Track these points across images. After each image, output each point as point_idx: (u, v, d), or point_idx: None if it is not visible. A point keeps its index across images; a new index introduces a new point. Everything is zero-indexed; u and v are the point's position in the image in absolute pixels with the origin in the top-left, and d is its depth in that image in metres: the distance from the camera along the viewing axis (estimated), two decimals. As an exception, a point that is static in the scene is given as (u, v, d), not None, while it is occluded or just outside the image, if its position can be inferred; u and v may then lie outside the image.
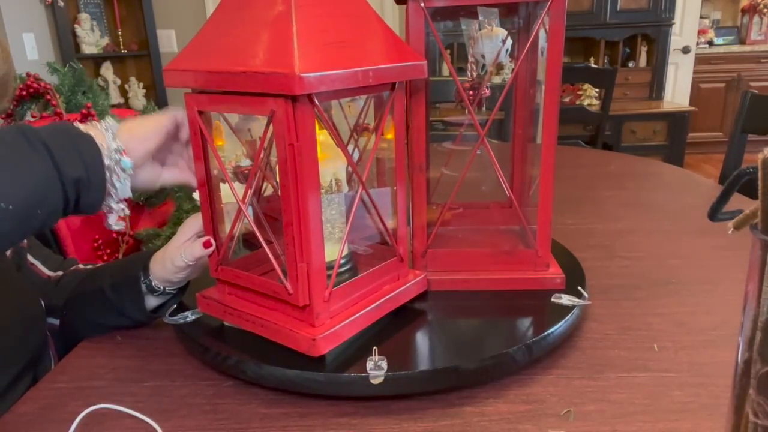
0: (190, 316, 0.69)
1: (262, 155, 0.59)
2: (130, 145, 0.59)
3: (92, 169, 0.55)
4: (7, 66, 0.71)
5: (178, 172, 0.67)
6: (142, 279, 0.70)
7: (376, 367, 0.58)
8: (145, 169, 0.62)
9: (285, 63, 0.51)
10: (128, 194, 0.60)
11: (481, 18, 0.71)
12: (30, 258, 0.80)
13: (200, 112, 0.60)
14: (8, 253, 0.76)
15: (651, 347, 0.67)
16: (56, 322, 0.78)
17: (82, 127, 0.57)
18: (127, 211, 0.61)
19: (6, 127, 0.53)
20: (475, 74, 0.76)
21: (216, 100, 0.59)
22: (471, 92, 0.75)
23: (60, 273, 0.81)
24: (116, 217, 0.60)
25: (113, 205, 0.59)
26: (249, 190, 0.60)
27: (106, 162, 0.56)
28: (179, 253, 0.66)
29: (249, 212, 0.61)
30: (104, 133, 0.58)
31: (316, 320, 0.59)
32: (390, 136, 0.66)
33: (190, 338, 0.66)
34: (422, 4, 0.66)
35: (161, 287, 0.70)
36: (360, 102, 0.70)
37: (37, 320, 0.74)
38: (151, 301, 0.72)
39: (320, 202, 0.57)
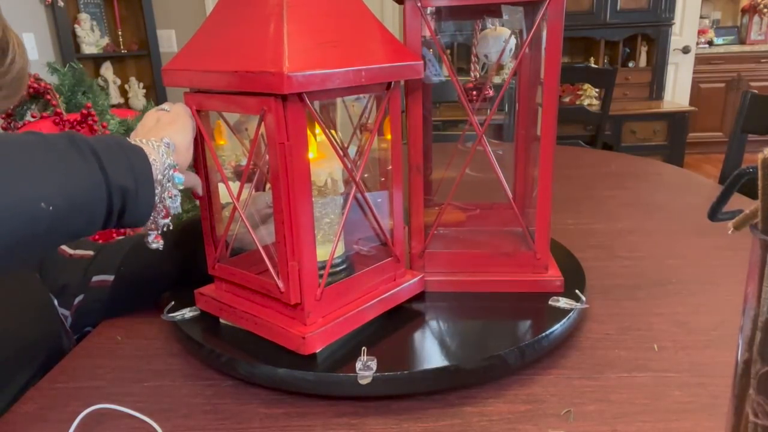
0: (187, 313, 0.70)
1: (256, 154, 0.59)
2: (178, 159, 0.58)
3: (142, 180, 0.53)
4: (24, 60, 0.70)
5: (193, 175, 0.65)
6: None
7: (365, 368, 0.57)
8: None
9: (274, 62, 0.51)
10: (179, 210, 0.59)
11: (488, 18, 0.70)
12: None
13: (198, 111, 0.61)
14: None
15: (651, 347, 0.66)
16: (66, 311, 0.77)
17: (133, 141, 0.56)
18: (171, 225, 0.60)
19: (55, 134, 0.52)
20: (478, 74, 0.76)
21: (213, 100, 0.60)
22: (474, 92, 0.75)
23: (83, 251, 0.80)
24: (155, 235, 0.59)
25: (160, 220, 0.58)
26: (243, 189, 0.60)
27: (158, 177, 0.55)
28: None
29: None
30: (156, 149, 0.56)
31: (308, 318, 0.59)
32: (390, 136, 0.66)
33: (185, 336, 0.67)
34: (419, 4, 0.66)
35: None
36: (363, 101, 0.70)
37: (48, 317, 0.72)
38: None
39: (311, 201, 0.57)
